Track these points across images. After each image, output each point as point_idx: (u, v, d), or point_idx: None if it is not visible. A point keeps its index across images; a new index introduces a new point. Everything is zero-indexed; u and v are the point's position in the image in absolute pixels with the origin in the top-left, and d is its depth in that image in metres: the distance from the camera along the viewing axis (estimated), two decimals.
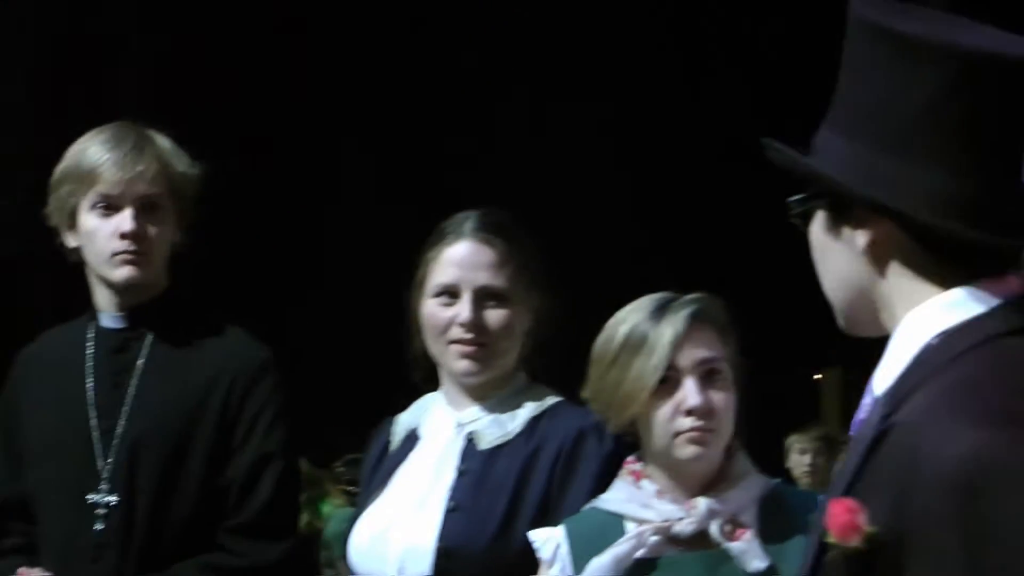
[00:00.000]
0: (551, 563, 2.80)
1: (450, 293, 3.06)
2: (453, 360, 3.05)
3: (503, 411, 3.07)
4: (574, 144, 9.93)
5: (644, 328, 2.73)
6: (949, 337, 1.80)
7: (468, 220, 3.09)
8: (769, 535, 2.71)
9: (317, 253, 10.13)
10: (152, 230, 3.20)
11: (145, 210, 3.20)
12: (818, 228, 1.96)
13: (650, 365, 2.70)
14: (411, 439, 3.17)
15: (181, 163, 3.25)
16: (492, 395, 3.09)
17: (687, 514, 2.74)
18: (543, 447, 3.01)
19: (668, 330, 2.71)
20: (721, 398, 2.74)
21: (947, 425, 1.69)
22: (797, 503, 2.78)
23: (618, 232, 10.13)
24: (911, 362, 1.83)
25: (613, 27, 9.99)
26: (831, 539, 1.74)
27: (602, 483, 2.93)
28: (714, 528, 2.72)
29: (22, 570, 3.16)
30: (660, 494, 2.77)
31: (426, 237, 3.14)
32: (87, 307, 3.35)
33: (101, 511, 3.17)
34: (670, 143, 9.95)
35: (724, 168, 9.06)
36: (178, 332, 3.27)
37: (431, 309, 3.07)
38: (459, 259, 3.06)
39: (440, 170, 9.75)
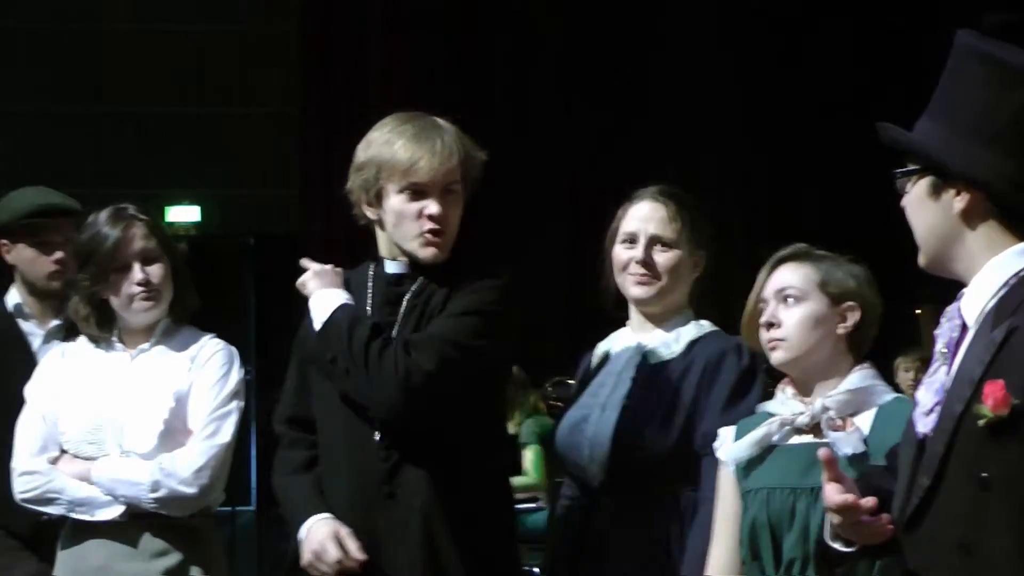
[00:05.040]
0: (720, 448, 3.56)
1: (631, 240, 3.88)
2: (629, 287, 3.89)
3: (671, 336, 3.87)
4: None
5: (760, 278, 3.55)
6: None
7: (651, 187, 3.93)
8: (882, 433, 3.25)
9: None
10: (451, 212, 3.66)
11: (445, 195, 3.64)
12: (919, 192, 2.68)
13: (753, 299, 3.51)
14: (604, 360, 3.98)
15: (473, 151, 3.69)
16: (665, 324, 3.89)
17: (806, 410, 3.40)
18: (694, 363, 3.79)
19: (762, 274, 3.52)
20: (789, 314, 3.42)
21: None
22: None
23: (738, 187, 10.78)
24: (1005, 290, 2.53)
25: None
26: (985, 411, 2.42)
27: (737, 391, 3.71)
28: (824, 421, 3.36)
29: None
30: (793, 395, 3.47)
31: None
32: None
33: None
34: (788, 103, 10.53)
35: (841, 127, 9.74)
36: (441, 275, 3.69)
37: (617, 251, 3.90)
38: (639, 214, 3.89)
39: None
